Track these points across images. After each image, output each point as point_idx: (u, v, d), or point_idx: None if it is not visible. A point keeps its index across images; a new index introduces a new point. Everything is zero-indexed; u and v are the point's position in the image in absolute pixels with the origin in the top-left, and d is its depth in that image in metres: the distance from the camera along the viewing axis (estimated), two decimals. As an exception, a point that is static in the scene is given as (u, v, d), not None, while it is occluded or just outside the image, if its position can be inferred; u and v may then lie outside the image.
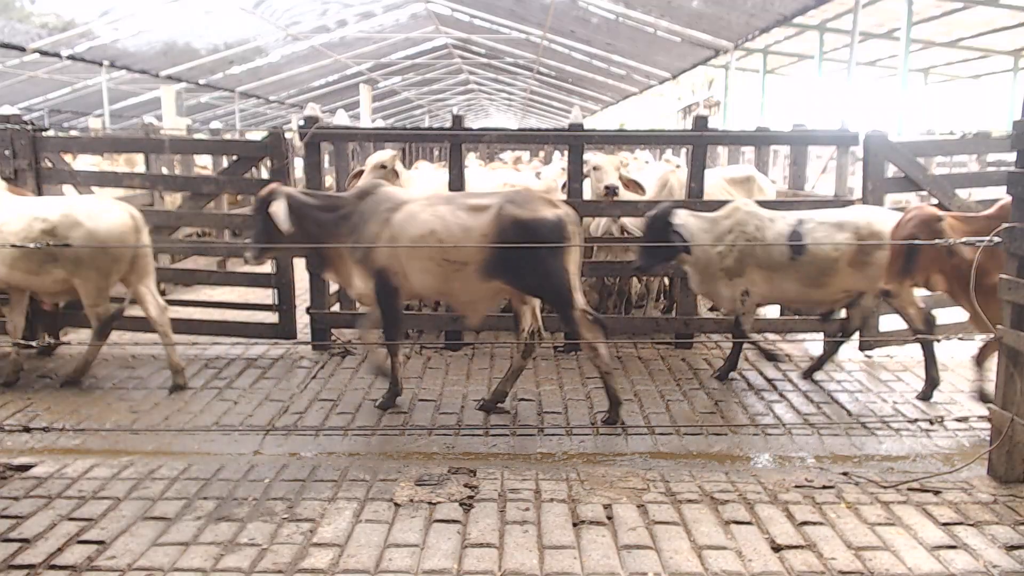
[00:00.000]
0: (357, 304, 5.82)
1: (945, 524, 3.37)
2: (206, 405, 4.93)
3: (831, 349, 5.45)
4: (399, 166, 6.24)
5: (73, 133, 16.40)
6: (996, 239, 3.84)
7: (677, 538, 3.26)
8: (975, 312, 4.14)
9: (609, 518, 3.41)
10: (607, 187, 5.95)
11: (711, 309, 7.52)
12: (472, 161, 10.62)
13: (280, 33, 17.30)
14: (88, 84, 19.20)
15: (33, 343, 5.36)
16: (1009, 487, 3.72)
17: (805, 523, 3.38)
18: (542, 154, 13.58)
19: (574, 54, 19.91)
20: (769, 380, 5.42)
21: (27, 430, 4.39)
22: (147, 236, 5.18)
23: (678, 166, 7.53)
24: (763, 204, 5.36)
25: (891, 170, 5.92)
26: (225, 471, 3.88)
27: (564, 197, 5.83)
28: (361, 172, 6.11)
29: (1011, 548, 3.17)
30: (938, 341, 4.99)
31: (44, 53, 14.94)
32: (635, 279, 7.10)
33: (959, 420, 4.62)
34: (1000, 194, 5.50)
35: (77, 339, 6.23)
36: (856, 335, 5.58)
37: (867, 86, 19.58)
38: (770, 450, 4.30)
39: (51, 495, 3.61)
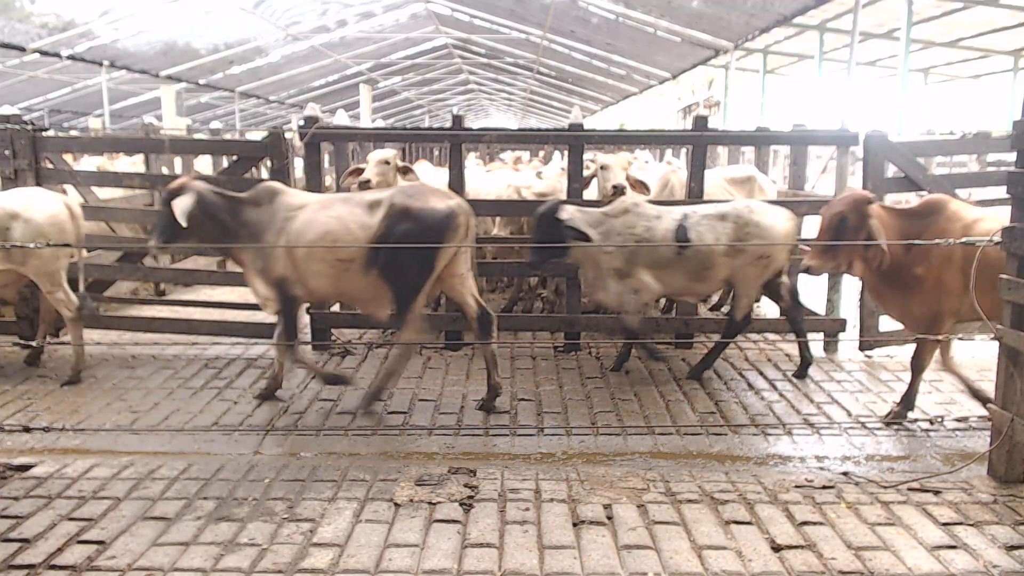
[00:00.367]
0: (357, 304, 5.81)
1: (945, 524, 3.37)
2: (206, 405, 4.93)
3: (719, 348, 5.52)
4: (421, 166, 6.23)
5: (73, 133, 16.42)
6: (996, 239, 3.84)
7: (677, 538, 3.26)
8: (909, 311, 4.40)
9: (609, 518, 3.41)
10: (614, 187, 5.95)
11: (711, 309, 7.53)
12: (471, 161, 10.64)
13: (280, 33, 17.31)
14: (88, 84, 19.21)
15: (33, 343, 5.36)
16: (1009, 487, 3.72)
17: (805, 523, 3.38)
18: (542, 154, 13.58)
19: (574, 54, 19.92)
20: (769, 380, 5.42)
21: (27, 430, 4.39)
22: (83, 224, 5.37)
23: (676, 169, 7.53)
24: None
25: (891, 170, 5.92)
26: (225, 471, 3.88)
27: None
28: (357, 169, 6.11)
29: (1011, 548, 3.17)
30: (938, 341, 4.99)
31: (44, 53, 14.95)
32: None
33: (959, 420, 4.62)
34: (1000, 194, 5.51)
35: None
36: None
37: (867, 86, 19.60)
38: (770, 450, 4.30)
39: (51, 495, 3.61)
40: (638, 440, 4.41)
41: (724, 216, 5.12)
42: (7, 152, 5.82)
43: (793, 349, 6.22)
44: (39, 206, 5.07)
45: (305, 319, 6.18)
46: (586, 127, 6.13)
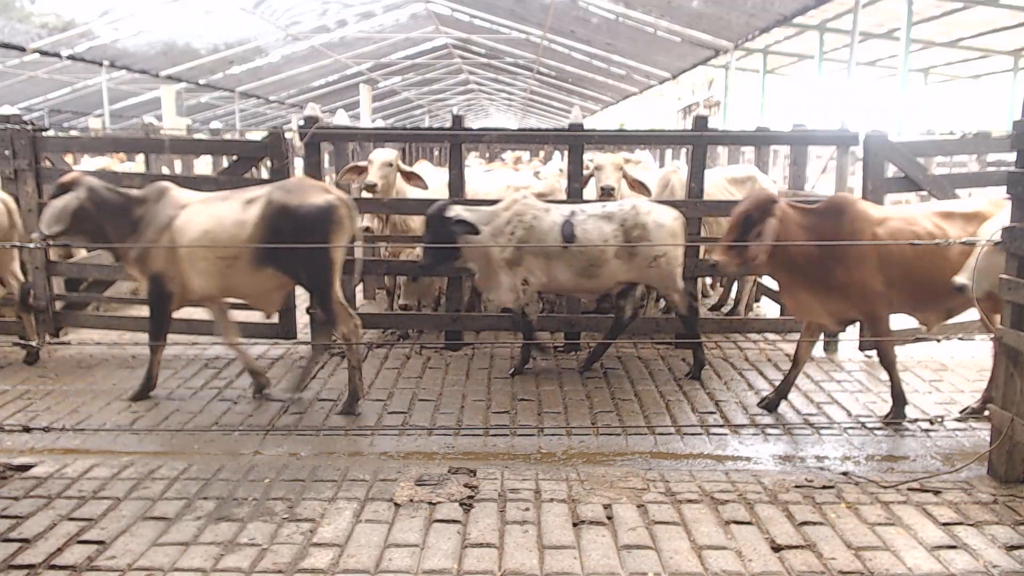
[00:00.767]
0: (356, 304, 5.82)
1: (945, 524, 3.37)
2: (206, 405, 4.93)
3: (605, 345, 5.61)
4: (422, 167, 6.25)
5: (73, 133, 16.42)
6: (997, 239, 3.84)
7: (677, 538, 3.26)
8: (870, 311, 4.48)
9: (609, 518, 3.41)
10: (603, 188, 6.01)
11: (711, 309, 7.53)
12: (473, 160, 10.63)
13: (280, 33, 17.31)
14: (88, 84, 19.21)
15: (33, 343, 5.37)
16: (1009, 487, 3.72)
17: (805, 523, 3.38)
18: (542, 154, 13.58)
19: (574, 54, 19.92)
20: (769, 380, 5.42)
21: (27, 430, 4.39)
22: (19, 220, 5.58)
23: (676, 169, 7.53)
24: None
25: (891, 170, 5.92)
26: (225, 471, 3.88)
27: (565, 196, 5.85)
28: (357, 167, 6.11)
29: (1011, 548, 3.17)
30: (938, 341, 5.00)
31: (44, 53, 14.95)
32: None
33: (959, 420, 4.63)
34: (1000, 194, 5.51)
35: (77, 339, 6.24)
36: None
37: (867, 86, 19.59)
38: (770, 450, 4.30)
39: (51, 495, 3.61)
40: (638, 440, 4.41)
41: (610, 216, 5.21)
42: (7, 152, 5.82)
43: (792, 348, 6.24)
44: None
45: (305, 319, 6.18)
46: (586, 127, 6.14)
